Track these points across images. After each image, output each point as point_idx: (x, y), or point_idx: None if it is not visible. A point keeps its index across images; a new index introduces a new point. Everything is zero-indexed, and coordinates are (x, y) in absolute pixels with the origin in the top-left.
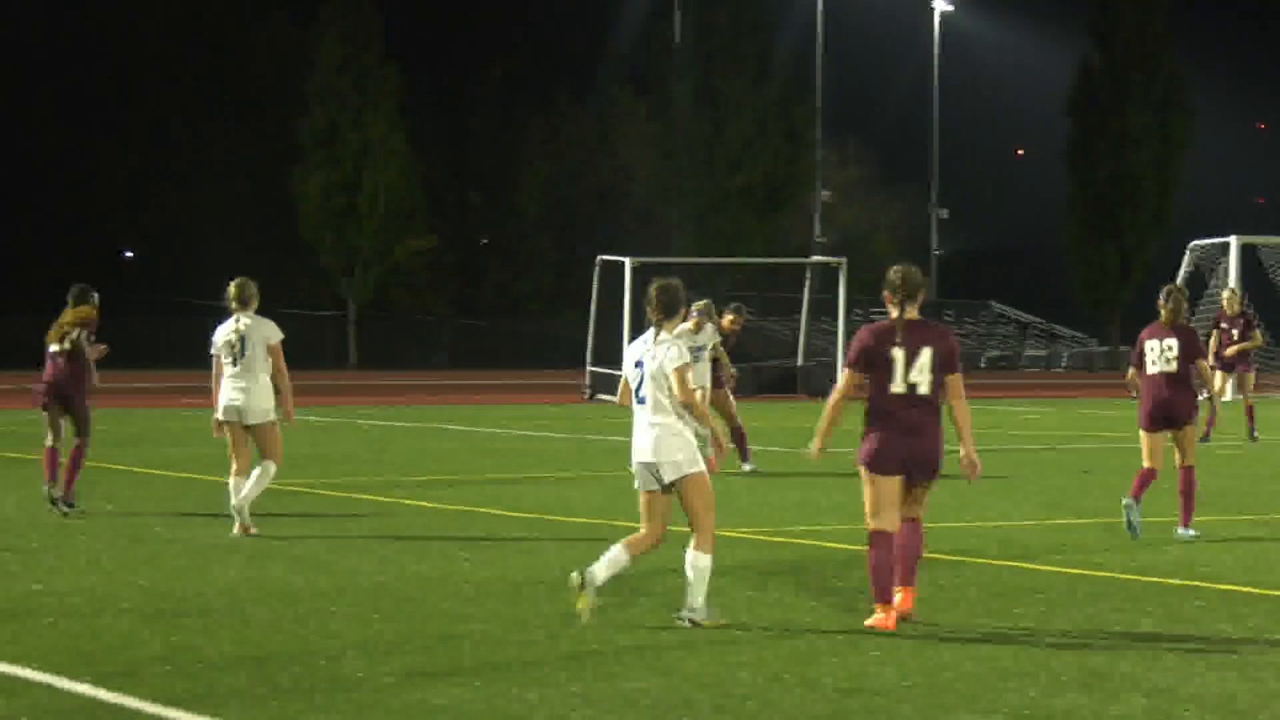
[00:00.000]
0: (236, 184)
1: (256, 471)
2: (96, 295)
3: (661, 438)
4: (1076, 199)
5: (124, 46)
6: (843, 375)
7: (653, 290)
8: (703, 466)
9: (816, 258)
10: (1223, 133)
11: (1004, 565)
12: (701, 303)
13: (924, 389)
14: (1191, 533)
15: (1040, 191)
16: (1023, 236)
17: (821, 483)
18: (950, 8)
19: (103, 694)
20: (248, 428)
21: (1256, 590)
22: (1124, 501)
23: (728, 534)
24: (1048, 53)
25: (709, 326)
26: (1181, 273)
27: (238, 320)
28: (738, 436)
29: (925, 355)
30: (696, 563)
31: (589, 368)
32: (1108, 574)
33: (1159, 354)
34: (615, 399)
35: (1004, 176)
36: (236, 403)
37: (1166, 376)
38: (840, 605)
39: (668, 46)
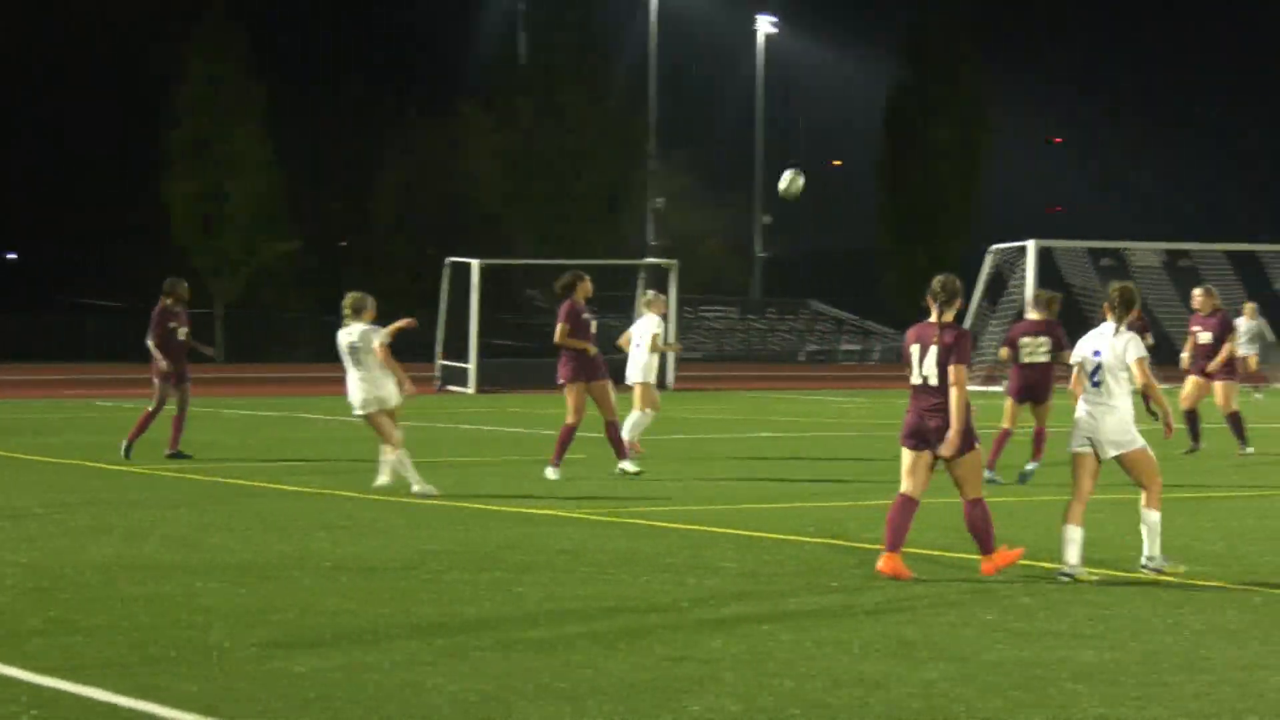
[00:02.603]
0: (112, 192)
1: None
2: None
3: (1106, 417)
4: (888, 207)
5: (6, 63)
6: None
7: (1113, 291)
8: (1141, 442)
9: (650, 259)
10: (1022, 146)
11: (820, 543)
12: (651, 293)
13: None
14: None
15: (855, 200)
16: (839, 241)
17: (651, 463)
18: (774, 30)
19: None
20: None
21: (1053, 565)
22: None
23: (570, 515)
24: (863, 72)
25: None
26: (984, 274)
27: (350, 328)
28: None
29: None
30: (1148, 519)
31: (439, 361)
32: (915, 550)
33: (1031, 348)
34: (469, 390)
35: (822, 185)
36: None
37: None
38: (669, 581)
39: (514, 63)
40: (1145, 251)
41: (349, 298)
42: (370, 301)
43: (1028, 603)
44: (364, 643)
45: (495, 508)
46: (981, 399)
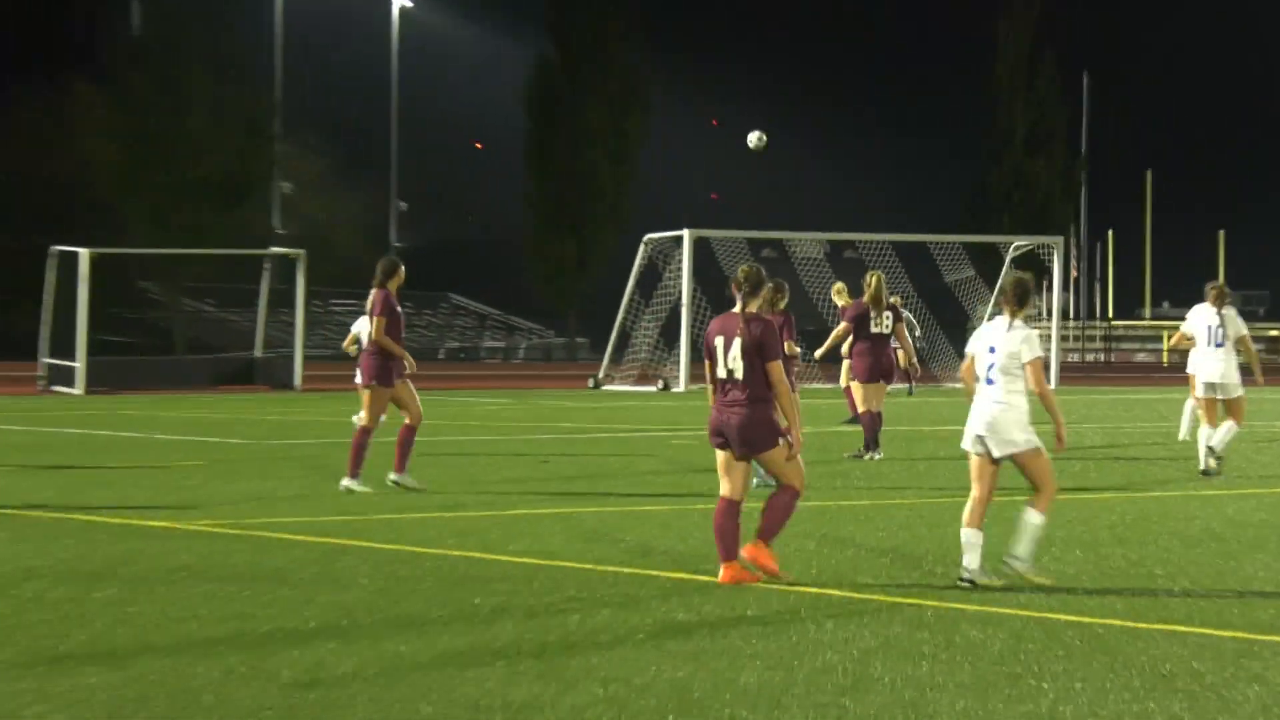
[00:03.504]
0: None
1: None
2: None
3: (1000, 416)
4: (535, 193)
5: None
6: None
7: (1008, 283)
8: (1037, 443)
9: (275, 249)
10: (679, 130)
11: (462, 556)
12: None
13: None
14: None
15: (500, 185)
16: (482, 229)
17: (278, 471)
18: (410, 3)
19: None
20: None
21: (711, 579)
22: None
23: (188, 527)
24: (506, 48)
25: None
26: (637, 264)
27: None
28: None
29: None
30: (1030, 518)
31: (44, 359)
32: (564, 563)
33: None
34: (77, 390)
35: (464, 170)
36: None
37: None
38: (297, 598)
39: (127, 37)
40: (808, 242)
41: None
42: None
43: (685, 619)
44: None
45: (107, 519)
46: (636, 399)
